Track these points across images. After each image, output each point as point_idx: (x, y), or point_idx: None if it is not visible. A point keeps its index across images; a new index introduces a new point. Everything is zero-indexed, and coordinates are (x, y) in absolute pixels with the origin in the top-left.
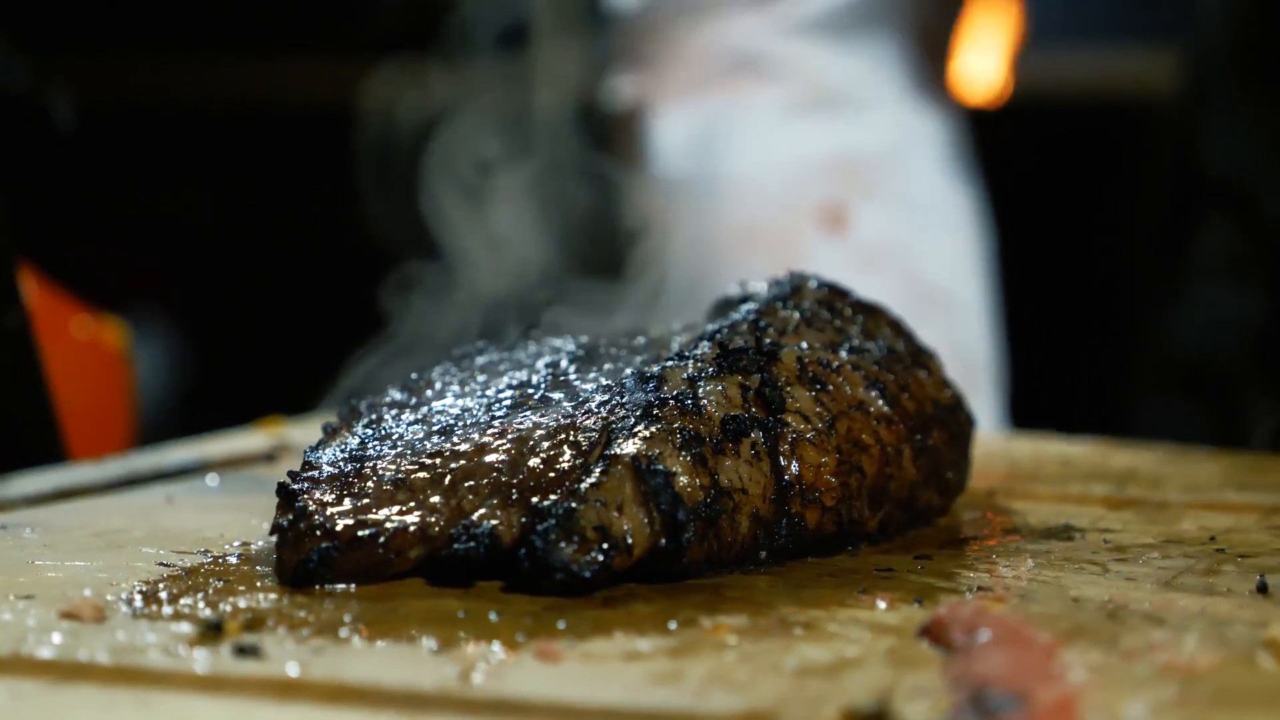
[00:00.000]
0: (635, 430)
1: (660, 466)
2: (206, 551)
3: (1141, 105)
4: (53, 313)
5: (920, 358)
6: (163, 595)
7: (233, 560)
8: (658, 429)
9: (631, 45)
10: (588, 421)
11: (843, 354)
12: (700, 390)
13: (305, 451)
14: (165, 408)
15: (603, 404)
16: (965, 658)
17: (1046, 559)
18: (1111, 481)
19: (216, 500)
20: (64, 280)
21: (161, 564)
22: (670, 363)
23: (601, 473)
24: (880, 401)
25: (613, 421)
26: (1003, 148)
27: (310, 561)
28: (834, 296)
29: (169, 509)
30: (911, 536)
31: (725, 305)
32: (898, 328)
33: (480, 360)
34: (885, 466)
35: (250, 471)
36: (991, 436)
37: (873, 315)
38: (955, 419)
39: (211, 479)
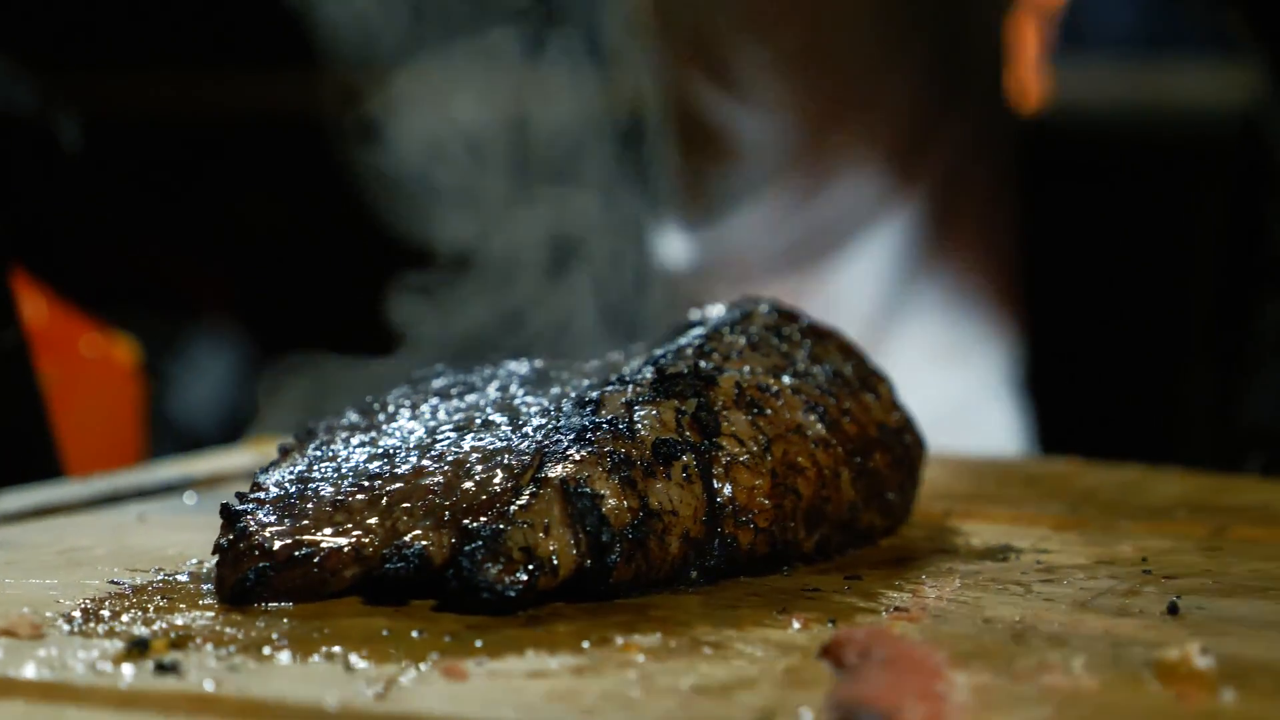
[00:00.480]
0: (567, 453)
1: (588, 489)
2: (160, 570)
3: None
4: (62, 331)
5: (869, 381)
6: (105, 613)
7: (183, 579)
8: (589, 452)
9: None
10: (523, 445)
11: (785, 378)
12: (635, 414)
13: (256, 473)
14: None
15: (539, 428)
16: (851, 678)
17: (974, 579)
18: (1068, 502)
19: (188, 519)
20: (73, 296)
21: (112, 582)
22: (610, 388)
23: (531, 495)
24: (819, 425)
25: (546, 445)
26: (1054, 171)
27: (247, 580)
28: (783, 321)
29: (139, 527)
30: (851, 557)
31: (680, 330)
32: (848, 351)
33: (437, 384)
34: (822, 489)
35: (230, 489)
36: (961, 458)
37: (821, 340)
38: (900, 442)
39: (189, 497)
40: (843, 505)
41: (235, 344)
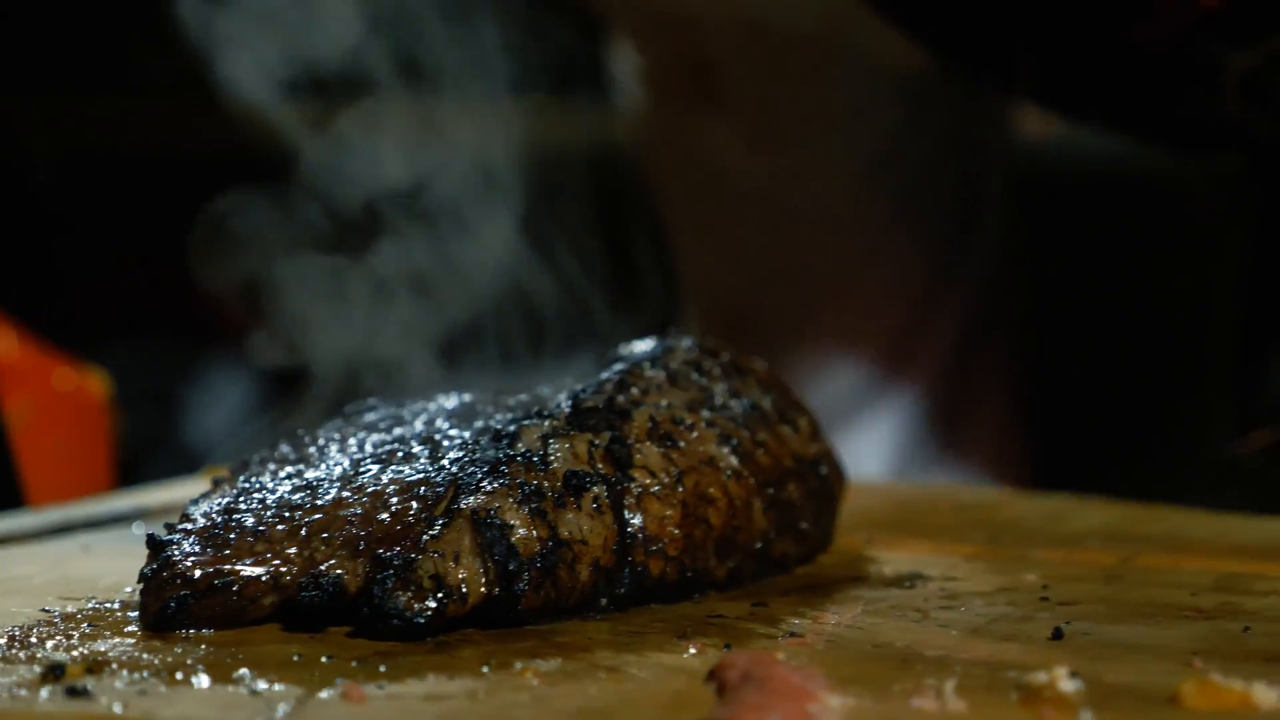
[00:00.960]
0: (480, 485)
1: (497, 519)
2: (92, 598)
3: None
4: (34, 365)
5: (788, 414)
6: (31, 640)
7: (113, 606)
8: (500, 484)
9: None
10: (439, 477)
11: (702, 412)
12: (549, 447)
13: (187, 505)
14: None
15: (455, 460)
16: (728, 700)
17: (876, 606)
18: (989, 531)
19: (131, 548)
20: (46, 331)
21: (44, 610)
22: (527, 421)
23: (443, 525)
24: (732, 457)
25: (461, 477)
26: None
27: (169, 608)
28: (703, 357)
29: (82, 556)
30: (764, 584)
31: (605, 365)
32: (769, 385)
33: (368, 417)
34: (733, 519)
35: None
36: (893, 486)
37: (742, 374)
38: (815, 473)
39: (138, 527)
40: (754, 535)
41: (251, 367)
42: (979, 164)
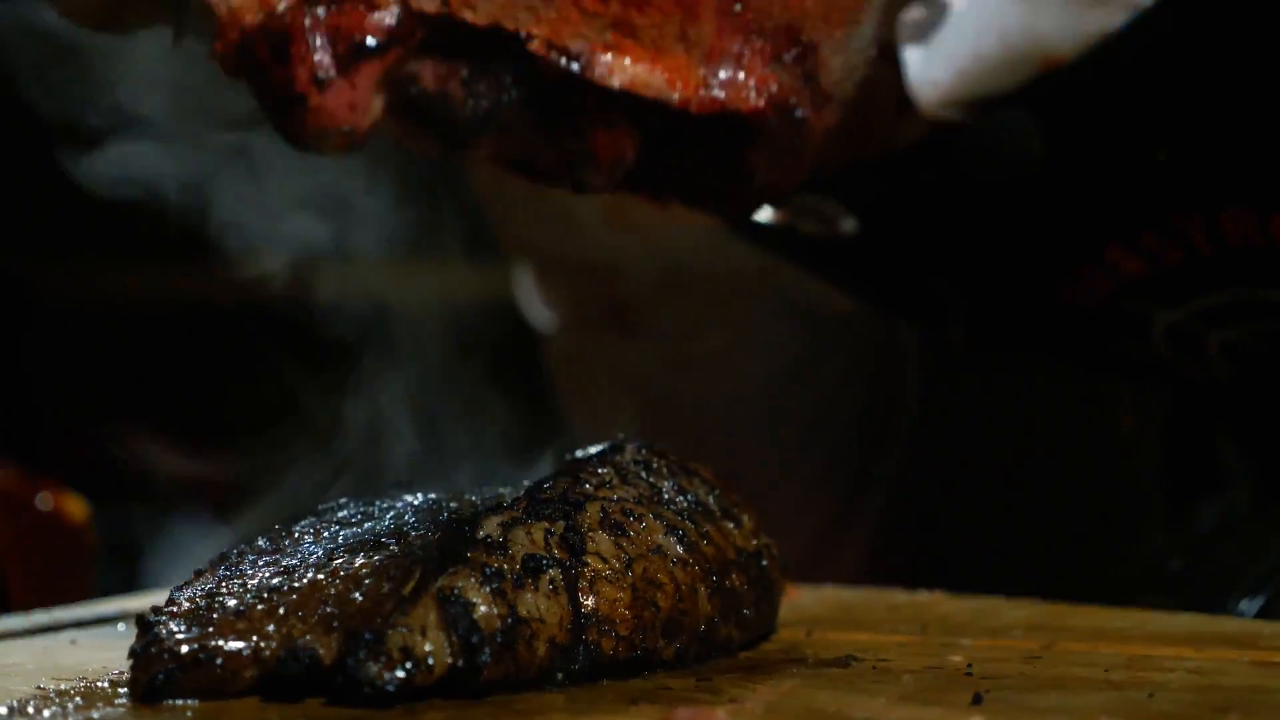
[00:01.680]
0: (445, 567)
1: (461, 598)
2: (82, 679)
3: None
4: (18, 488)
5: (731, 511)
6: (29, 710)
7: (103, 685)
8: (463, 566)
9: None
10: (407, 561)
11: (651, 506)
12: (508, 534)
13: (171, 590)
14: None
15: (422, 547)
16: None
17: (813, 680)
18: (920, 624)
19: (116, 641)
20: (33, 461)
21: (38, 688)
22: (488, 512)
23: (410, 603)
24: (679, 546)
25: (427, 560)
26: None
27: (157, 680)
28: (652, 457)
29: (70, 649)
30: (710, 664)
31: (559, 465)
32: (713, 485)
33: (340, 514)
34: (680, 603)
35: None
36: (830, 588)
37: (688, 474)
38: (757, 564)
39: (122, 625)
40: (700, 618)
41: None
42: (894, 368)
